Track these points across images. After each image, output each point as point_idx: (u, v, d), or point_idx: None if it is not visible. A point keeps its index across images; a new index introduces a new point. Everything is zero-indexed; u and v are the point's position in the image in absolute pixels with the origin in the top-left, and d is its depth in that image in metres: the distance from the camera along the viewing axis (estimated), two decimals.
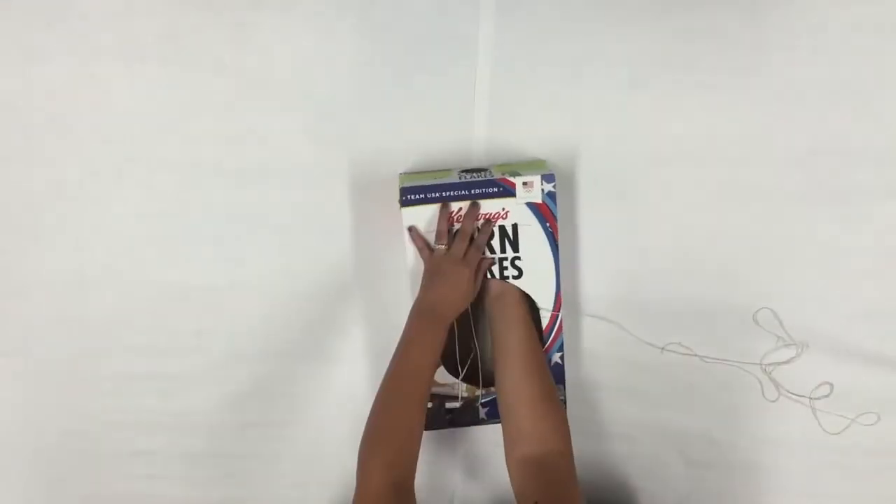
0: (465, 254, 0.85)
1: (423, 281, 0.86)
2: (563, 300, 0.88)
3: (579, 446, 0.94)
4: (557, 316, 0.89)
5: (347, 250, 0.94)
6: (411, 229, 0.87)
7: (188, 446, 0.98)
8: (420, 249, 0.87)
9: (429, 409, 0.91)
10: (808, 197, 0.91)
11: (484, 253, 0.87)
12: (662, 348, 0.95)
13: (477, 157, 0.92)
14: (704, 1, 0.88)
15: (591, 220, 0.93)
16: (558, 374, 0.91)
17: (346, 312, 0.95)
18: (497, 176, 0.86)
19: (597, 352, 0.96)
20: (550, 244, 0.87)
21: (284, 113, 0.90)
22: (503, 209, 0.86)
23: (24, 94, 0.89)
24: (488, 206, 0.86)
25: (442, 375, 0.91)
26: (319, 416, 0.98)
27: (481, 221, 0.87)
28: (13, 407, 0.96)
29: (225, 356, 0.96)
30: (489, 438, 0.96)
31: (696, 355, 0.95)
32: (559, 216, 0.87)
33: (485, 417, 0.92)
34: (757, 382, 0.95)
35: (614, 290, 0.95)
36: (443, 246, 0.85)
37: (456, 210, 0.86)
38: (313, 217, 0.93)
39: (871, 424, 0.93)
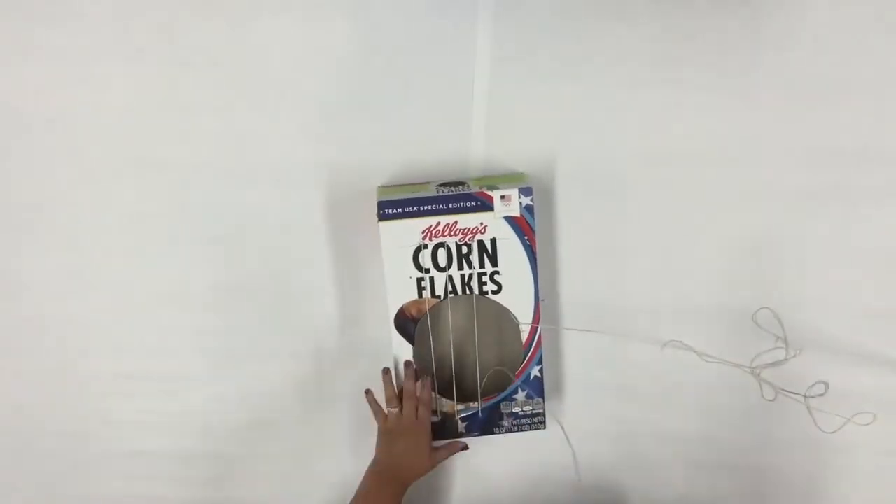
0: (417, 413, 0.87)
1: (378, 443, 0.89)
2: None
3: (579, 447, 0.95)
4: (537, 329, 0.89)
5: (347, 250, 0.93)
6: (368, 392, 0.89)
7: (186, 447, 0.99)
8: (375, 413, 0.89)
9: None
10: (808, 197, 0.91)
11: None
12: (663, 345, 0.95)
13: (475, 159, 0.92)
14: (704, 0, 0.87)
15: (591, 220, 0.93)
16: (537, 387, 0.91)
17: (346, 312, 0.95)
18: (475, 189, 0.86)
19: (595, 352, 0.96)
20: (529, 258, 0.87)
21: (281, 113, 0.90)
22: (481, 223, 0.86)
23: (20, 93, 0.88)
24: (466, 221, 0.86)
25: None
26: (318, 416, 0.98)
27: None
28: (11, 407, 0.97)
29: (224, 356, 0.97)
30: (487, 443, 0.96)
31: (695, 351, 0.95)
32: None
33: (463, 431, 0.92)
34: (756, 383, 0.95)
35: (614, 292, 0.95)
36: (395, 410, 0.87)
37: (434, 225, 0.86)
38: (312, 217, 0.93)
39: (867, 424, 0.94)
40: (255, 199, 0.92)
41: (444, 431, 0.92)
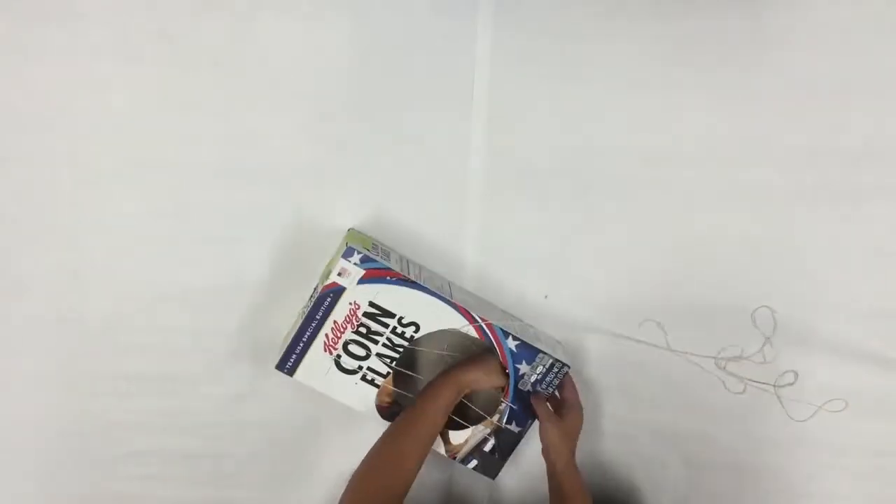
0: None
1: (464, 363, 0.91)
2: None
3: (579, 447, 0.95)
4: (476, 323, 0.88)
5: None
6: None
7: (187, 447, 0.99)
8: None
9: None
10: (807, 197, 0.91)
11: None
12: (650, 342, 0.95)
13: (475, 158, 0.92)
14: (704, 0, 0.87)
15: (590, 221, 0.93)
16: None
17: None
18: (320, 288, 0.86)
19: (596, 352, 0.96)
20: (409, 285, 0.86)
21: (281, 113, 0.90)
22: (350, 304, 0.86)
23: (20, 94, 0.88)
24: (340, 313, 0.87)
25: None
26: (319, 416, 0.98)
27: None
28: (11, 407, 0.97)
29: (224, 356, 0.96)
30: None
31: (695, 352, 0.95)
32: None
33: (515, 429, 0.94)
34: (755, 382, 0.95)
35: (613, 292, 0.95)
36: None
37: (326, 338, 0.87)
38: (312, 218, 0.93)
39: (867, 424, 0.93)
40: (255, 199, 0.92)
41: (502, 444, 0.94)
